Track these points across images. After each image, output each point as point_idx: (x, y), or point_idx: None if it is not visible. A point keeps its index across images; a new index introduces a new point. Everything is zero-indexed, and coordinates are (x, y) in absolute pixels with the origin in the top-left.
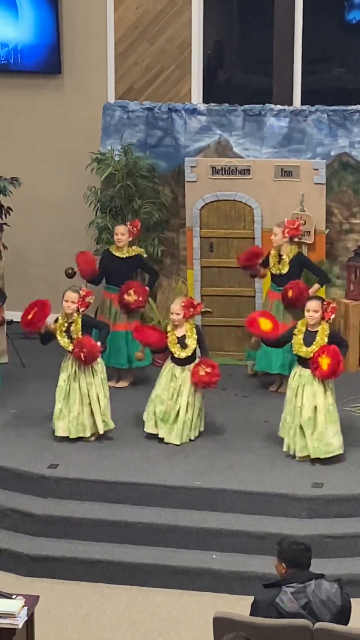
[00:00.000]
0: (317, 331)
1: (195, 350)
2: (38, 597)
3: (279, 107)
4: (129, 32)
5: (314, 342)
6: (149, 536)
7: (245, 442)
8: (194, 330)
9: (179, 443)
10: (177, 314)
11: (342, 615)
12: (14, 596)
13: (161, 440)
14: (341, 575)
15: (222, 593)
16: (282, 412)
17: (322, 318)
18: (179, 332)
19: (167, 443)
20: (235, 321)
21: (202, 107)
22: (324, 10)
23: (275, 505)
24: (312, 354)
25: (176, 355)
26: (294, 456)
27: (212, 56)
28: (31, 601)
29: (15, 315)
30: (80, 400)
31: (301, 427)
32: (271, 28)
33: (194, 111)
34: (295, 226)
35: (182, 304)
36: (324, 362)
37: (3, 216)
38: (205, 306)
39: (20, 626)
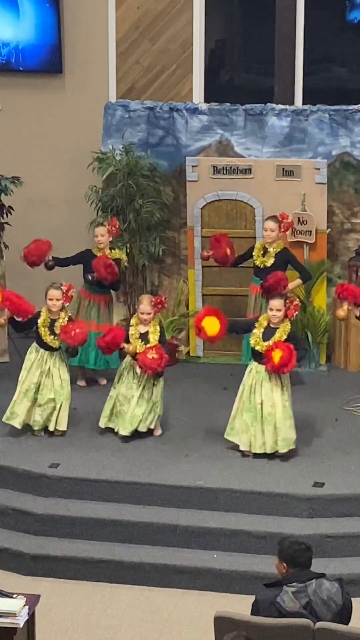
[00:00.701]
0: (277, 328)
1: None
2: (39, 596)
3: (281, 106)
4: (130, 32)
5: (271, 338)
6: (150, 536)
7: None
8: (157, 326)
9: (126, 434)
10: (148, 313)
11: (343, 614)
12: (15, 595)
13: (162, 440)
14: (342, 575)
15: (223, 592)
16: (233, 410)
17: (285, 316)
18: (143, 328)
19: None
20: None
21: (204, 106)
22: (325, 10)
23: (276, 504)
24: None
25: (138, 350)
26: (253, 454)
27: (213, 56)
28: (32, 600)
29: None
30: (53, 395)
31: (261, 424)
32: (273, 27)
33: (195, 110)
34: (290, 220)
35: (152, 302)
36: (276, 355)
37: (4, 215)
38: (205, 305)
39: (21, 625)
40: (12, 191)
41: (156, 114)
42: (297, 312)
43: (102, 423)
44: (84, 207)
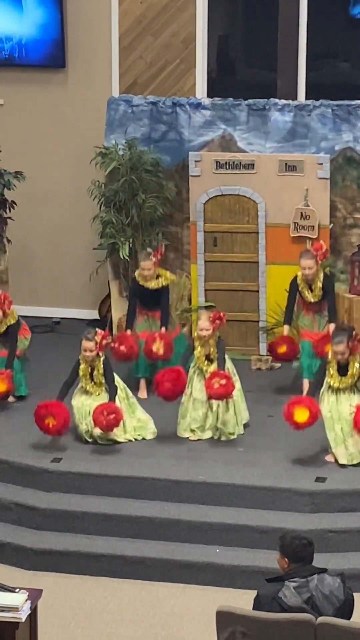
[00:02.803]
0: (348, 363)
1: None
2: (41, 590)
3: (284, 101)
4: (133, 26)
5: (348, 374)
6: (152, 530)
7: (248, 437)
8: (216, 345)
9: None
10: (207, 329)
11: (345, 609)
12: (17, 590)
13: (163, 435)
14: (344, 570)
15: (225, 587)
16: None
17: (351, 353)
18: (204, 350)
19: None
20: (239, 316)
21: (207, 101)
22: (328, 4)
23: (278, 499)
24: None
25: (205, 371)
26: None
27: (216, 50)
28: (34, 595)
29: (18, 310)
30: None
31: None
32: (276, 22)
33: (198, 106)
34: (324, 250)
35: (210, 319)
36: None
37: (7, 210)
38: (208, 300)
39: (23, 620)
40: (15, 186)
41: (159, 109)
42: None
43: (182, 431)
44: (87, 202)
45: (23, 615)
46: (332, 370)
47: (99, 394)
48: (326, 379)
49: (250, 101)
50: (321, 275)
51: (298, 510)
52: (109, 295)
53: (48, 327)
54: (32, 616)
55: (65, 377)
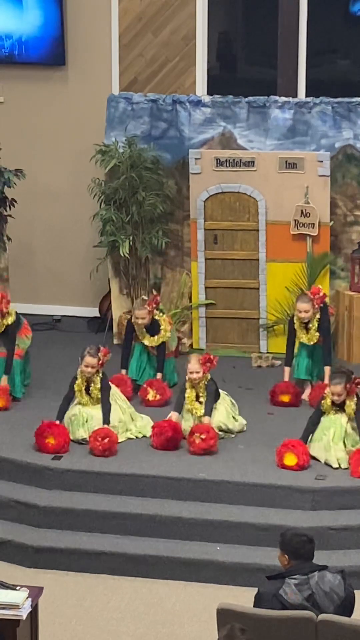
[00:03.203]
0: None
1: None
2: (42, 588)
3: (284, 99)
4: (133, 24)
5: (345, 414)
6: (152, 528)
7: (249, 434)
8: (205, 388)
9: None
10: (197, 372)
11: (346, 606)
12: (18, 587)
13: None
14: (344, 567)
15: (226, 585)
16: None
17: (348, 394)
18: (193, 392)
19: None
20: (239, 313)
21: (207, 99)
22: (328, 2)
23: (279, 497)
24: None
25: (196, 414)
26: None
27: (216, 48)
28: (35, 592)
29: (18, 307)
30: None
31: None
32: (276, 20)
33: (198, 103)
34: (321, 294)
35: (200, 361)
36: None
37: (7, 208)
38: (208, 298)
39: (24, 617)
40: (15, 184)
41: (159, 106)
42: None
43: None
44: (87, 199)
45: (24, 613)
46: (329, 413)
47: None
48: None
49: (251, 98)
50: (317, 319)
51: (299, 507)
52: (109, 293)
53: (48, 325)
54: (33, 614)
55: (66, 376)
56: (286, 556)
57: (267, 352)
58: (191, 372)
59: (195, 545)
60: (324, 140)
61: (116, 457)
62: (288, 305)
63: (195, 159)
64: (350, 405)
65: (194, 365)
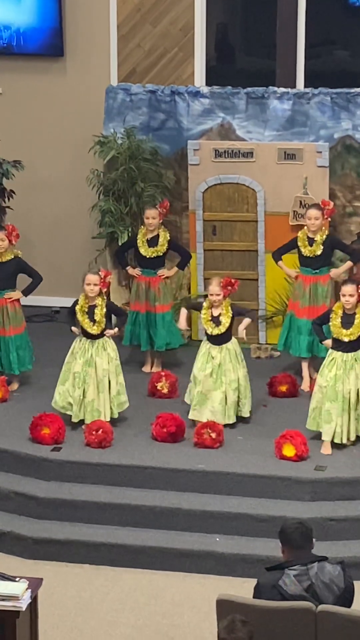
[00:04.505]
0: (354, 313)
1: (229, 328)
2: (41, 580)
3: (282, 89)
4: (131, 15)
5: (354, 325)
6: (152, 519)
7: (248, 425)
8: (229, 308)
9: (229, 422)
10: (217, 294)
11: (345, 597)
12: (17, 579)
13: None
14: (344, 558)
15: (225, 576)
16: (314, 401)
17: (359, 301)
18: (215, 311)
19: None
20: (238, 304)
21: (205, 89)
22: None
23: (279, 488)
24: (351, 337)
25: (209, 333)
26: (343, 445)
27: (215, 39)
28: (35, 584)
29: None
30: (96, 386)
31: (349, 412)
32: (275, 10)
33: (197, 94)
34: (331, 206)
35: (221, 284)
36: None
37: (6, 199)
38: (207, 290)
39: (23, 609)
40: (13, 175)
41: (158, 97)
42: None
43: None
44: (86, 190)
45: (23, 604)
46: (336, 322)
47: (99, 348)
48: (329, 353)
49: (249, 89)
50: (324, 233)
51: (298, 498)
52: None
53: (47, 317)
54: (33, 605)
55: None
56: (285, 547)
57: (266, 343)
58: (211, 295)
59: (195, 537)
60: (323, 131)
61: (115, 448)
62: (287, 297)
63: (194, 150)
64: None
65: (214, 287)
